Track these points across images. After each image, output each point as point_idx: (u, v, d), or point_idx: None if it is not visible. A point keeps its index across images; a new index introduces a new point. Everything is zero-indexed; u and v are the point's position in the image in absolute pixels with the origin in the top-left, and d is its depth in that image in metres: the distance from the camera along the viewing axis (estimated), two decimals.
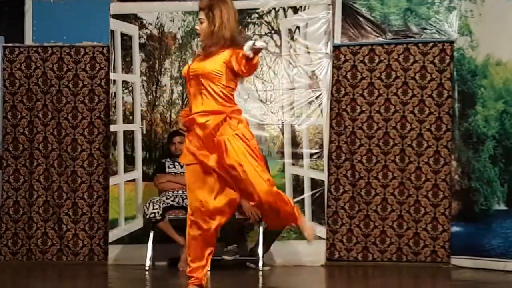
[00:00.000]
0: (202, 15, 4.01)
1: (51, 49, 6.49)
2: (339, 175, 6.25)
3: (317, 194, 6.25)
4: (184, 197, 5.76)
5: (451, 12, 6.13)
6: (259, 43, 3.67)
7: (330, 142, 6.26)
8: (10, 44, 6.52)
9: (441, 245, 6.06)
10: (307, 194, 6.26)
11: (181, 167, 6.04)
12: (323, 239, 6.18)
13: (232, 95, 4.03)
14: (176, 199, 5.95)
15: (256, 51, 3.69)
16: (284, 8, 6.35)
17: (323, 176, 6.24)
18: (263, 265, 5.70)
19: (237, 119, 4.01)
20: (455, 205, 6.06)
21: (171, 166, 6.14)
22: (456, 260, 6.01)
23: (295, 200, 6.15)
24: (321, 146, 6.27)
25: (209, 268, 4.15)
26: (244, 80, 4.22)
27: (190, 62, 4.15)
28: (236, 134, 3.94)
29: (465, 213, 6.00)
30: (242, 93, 6.23)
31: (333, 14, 6.26)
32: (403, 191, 6.15)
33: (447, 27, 6.14)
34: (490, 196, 5.87)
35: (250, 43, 3.69)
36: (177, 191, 5.97)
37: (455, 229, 6.04)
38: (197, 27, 4.05)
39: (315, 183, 6.26)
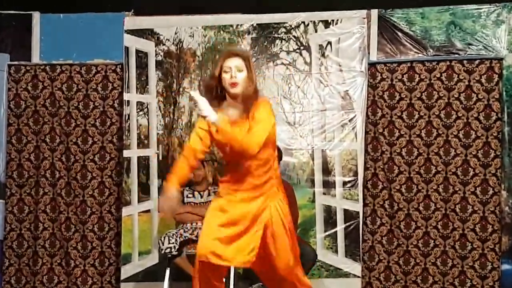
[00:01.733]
0: (240, 62, 3.89)
1: (59, 67, 6.45)
2: (376, 206, 6.16)
3: (351, 227, 6.17)
4: None
5: (499, 26, 6.10)
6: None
7: (366, 169, 6.17)
8: (16, 63, 6.48)
9: (491, 284, 5.97)
10: (340, 227, 6.17)
11: (201, 196, 6.03)
12: (358, 277, 6.13)
13: None
14: (195, 232, 5.75)
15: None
16: (314, 22, 6.32)
17: (357, 207, 6.16)
18: None
19: None
20: (506, 240, 6.00)
21: (190, 195, 6.04)
22: None
23: (327, 233, 6.24)
24: (355, 174, 6.20)
25: None
26: None
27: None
28: None
29: None
30: None
31: (369, 28, 6.21)
32: (447, 224, 6.05)
33: (495, 43, 6.08)
34: None
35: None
36: (196, 223, 5.81)
37: (505, 267, 5.99)
38: (233, 76, 3.88)
39: (349, 215, 6.18)
